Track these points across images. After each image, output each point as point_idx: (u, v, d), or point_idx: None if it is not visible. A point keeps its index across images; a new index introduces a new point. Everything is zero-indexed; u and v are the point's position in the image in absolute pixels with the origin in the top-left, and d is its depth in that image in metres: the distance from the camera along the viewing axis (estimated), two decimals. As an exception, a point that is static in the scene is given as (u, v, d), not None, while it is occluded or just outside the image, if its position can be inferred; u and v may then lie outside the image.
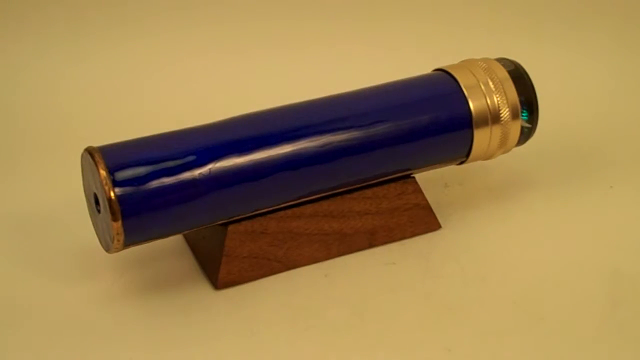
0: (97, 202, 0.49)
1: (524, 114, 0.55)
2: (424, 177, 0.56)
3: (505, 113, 0.54)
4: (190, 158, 0.49)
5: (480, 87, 0.54)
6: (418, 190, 0.55)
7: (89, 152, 0.48)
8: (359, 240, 0.54)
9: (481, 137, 0.54)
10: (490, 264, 0.53)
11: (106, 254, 0.50)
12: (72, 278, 0.53)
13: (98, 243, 0.50)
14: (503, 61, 0.56)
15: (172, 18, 0.78)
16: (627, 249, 0.54)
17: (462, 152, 0.55)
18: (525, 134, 0.56)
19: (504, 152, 0.56)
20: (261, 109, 0.52)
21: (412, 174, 0.55)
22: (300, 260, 0.53)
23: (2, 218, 0.59)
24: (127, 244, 0.48)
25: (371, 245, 0.55)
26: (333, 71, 0.74)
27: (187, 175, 0.48)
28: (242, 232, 0.51)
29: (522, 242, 0.55)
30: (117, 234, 0.47)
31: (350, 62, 0.76)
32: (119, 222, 0.47)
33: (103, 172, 0.47)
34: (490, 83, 0.54)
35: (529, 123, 0.56)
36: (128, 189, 0.47)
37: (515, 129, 0.55)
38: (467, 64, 0.55)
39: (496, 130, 0.54)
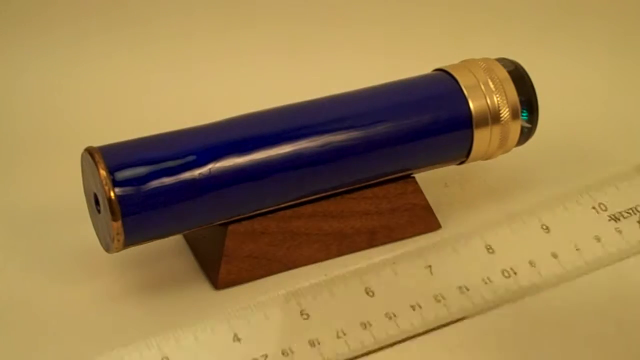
0: (97, 202, 0.49)
1: (524, 114, 0.55)
2: (424, 177, 0.56)
3: (505, 113, 0.54)
4: (190, 158, 0.49)
5: (480, 87, 0.54)
6: (418, 190, 0.55)
7: (89, 152, 0.48)
8: (359, 240, 0.54)
9: (481, 137, 0.54)
10: (490, 264, 0.53)
11: (106, 254, 0.50)
12: (72, 278, 0.53)
13: (98, 243, 0.50)
14: (503, 61, 0.56)
15: (172, 19, 0.78)
16: (626, 248, 0.54)
17: (462, 152, 0.55)
18: (525, 134, 0.56)
19: (504, 152, 0.56)
20: (261, 109, 0.52)
21: (412, 174, 0.55)
22: (300, 260, 0.53)
23: (2, 218, 0.59)
24: (127, 244, 0.48)
25: (371, 245, 0.55)
26: (333, 71, 0.74)
27: (187, 175, 0.48)
28: (242, 232, 0.51)
29: (522, 242, 0.55)
30: (117, 234, 0.47)
31: (350, 62, 0.76)
32: (119, 222, 0.47)
33: (103, 172, 0.47)
34: (490, 83, 0.54)
35: (529, 123, 0.56)
36: (128, 189, 0.47)
37: (515, 129, 0.55)
38: (467, 64, 0.55)
39: (496, 130, 0.54)
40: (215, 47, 0.77)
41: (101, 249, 0.50)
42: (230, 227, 0.51)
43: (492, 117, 0.54)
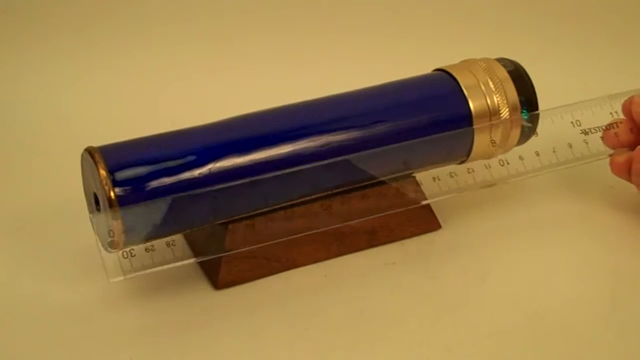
0: (97, 202, 0.49)
1: (524, 114, 0.55)
2: (424, 177, 0.56)
3: (505, 113, 0.54)
4: (190, 158, 0.49)
5: (480, 87, 0.54)
6: (418, 190, 0.55)
7: (89, 152, 0.48)
8: (359, 240, 0.54)
9: (481, 137, 0.54)
10: (490, 264, 0.53)
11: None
12: (72, 278, 0.53)
13: (97, 242, 0.50)
14: (503, 61, 0.56)
15: (172, 20, 0.78)
16: (627, 249, 0.54)
17: (462, 152, 0.55)
18: (526, 134, 0.56)
19: (504, 152, 0.56)
20: (261, 109, 0.52)
21: (412, 173, 0.55)
22: (300, 260, 0.53)
23: (2, 218, 0.59)
24: (127, 244, 0.48)
25: (371, 245, 0.55)
26: (333, 71, 0.74)
27: (187, 175, 0.48)
28: (242, 232, 0.51)
29: (522, 242, 0.55)
30: (117, 233, 0.47)
31: (350, 62, 0.76)
32: (119, 222, 0.47)
33: (103, 172, 0.47)
34: (490, 83, 0.54)
35: (529, 123, 0.56)
36: (128, 189, 0.47)
37: (515, 128, 0.55)
38: (467, 64, 0.55)
39: (496, 130, 0.54)
40: (215, 47, 0.77)
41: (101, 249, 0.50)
42: (230, 227, 0.51)
43: (492, 117, 0.54)
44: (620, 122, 0.55)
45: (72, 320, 0.50)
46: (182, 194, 0.48)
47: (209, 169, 0.49)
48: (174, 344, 0.48)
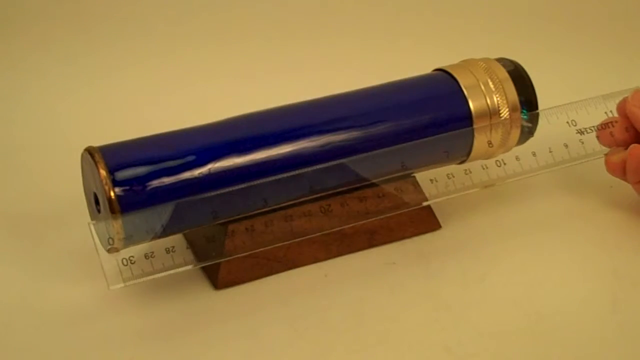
0: (97, 202, 0.49)
1: (524, 114, 0.55)
2: (424, 177, 0.56)
3: (505, 113, 0.54)
4: (190, 158, 0.49)
5: (480, 87, 0.54)
6: (418, 191, 0.55)
7: (89, 152, 0.48)
8: (359, 240, 0.54)
9: (481, 137, 0.54)
10: (490, 264, 0.53)
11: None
12: (72, 278, 0.53)
13: (98, 244, 0.50)
14: (503, 61, 0.56)
15: (173, 20, 0.78)
16: (627, 249, 0.54)
17: (463, 152, 0.55)
18: (526, 134, 0.56)
19: (504, 152, 0.56)
20: (261, 109, 0.52)
21: (412, 173, 0.55)
22: (300, 260, 0.53)
23: (2, 218, 0.59)
24: (127, 244, 0.48)
25: (371, 245, 0.55)
26: (333, 71, 0.74)
27: (187, 175, 0.48)
28: (242, 232, 0.51)
29: (522, 242, 0.55)
30: (117, 233, 0.47)
31: (350, 62, 0.76)
32: (119, 222, 0.47)
33: (103, 172, 0.47)
34: (490, 83, 0.54)
35: (529, 123, 0.56)
36: (128, 189, 0.47)
37: (515, 128, 0.55)
38: (467, 64, 0.55)
39: (496, 130, 0.54)
40: (215, 47, 0.77)
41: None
42: (230, 227, 0.51)
43: (492, 117, 0.54)
44: (616, 122, 0.56)
45: (72, 320, 0.50)
46: (182, 197, 0.48)
47: (209, 169, 0.49)
48: (174, 343, 0.48)
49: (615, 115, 0.57)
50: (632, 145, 0.54)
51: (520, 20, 0.80)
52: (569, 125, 0.55)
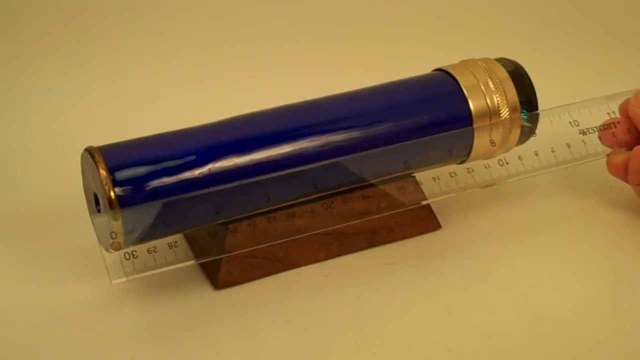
0: (97, 202, 0.49)
1: (524, 114, 0.55)
2: (424, 177, 0.56)
3: (505, 113, 0.54)
4: (190, 158, 0.49)
5: (480, 87, 0.54)
6: (418, 190, 0.55)
7: (89, 152, 0.48)
8: (359, 240, 0.54)
9: (481, 137, 0.54)
10: (490, 264, 0.53)
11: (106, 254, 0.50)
12: (72, 278, 0.53)
13: (98, 243, 0.50)
14: (503, 61, 0.56)
15: (172, 19, 0.78)
16: (627, 249, 0.54)
17: (462, 152, 0.55)
18: (525, 134, 0.56)
19: (504, 152, 0.56)
20: (261, 109, 0.52)
21: (412, 173, 0.55)
22: (300, 260, 0.53)
23: (2, 218, 0.59)
24: (127, 243, 0.48)
25: (371, 245, 0.55)
26: (333, 71, 0.74)
27: (187, 175, 0.48)
28: (242, 232, 0.51)
29: (522, 242, 0.55)
30: (117, 233, 0.47)
31: (350, 61, 0.76)
32: (119, 222, 0.47)
33: (103, 172, 0.47)
34: (490, 83, 0.54)
35: (529, 123, 0.56)
36: (128, 189, 0.47)
37: (515, 128, 0.55)
38: (467, 64, 0.55)
39: (496, 130, 0.54)
40: (215, 47, 0.77)
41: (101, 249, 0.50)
42: (230, 227, 0.51)
43: (492, 117, 0.54)
44: (618, 122, 0.56)
45: (72, 320, 0.50)
46: (182, 195, 0.48)
47: (209, 169, 0.49)
48: (174, 343, 0.48)
49: (618, 116, 0.57)
50: (637, 147, 0.54)
51: (520, 20, 0.80)
52: (572, 126, 0.56)
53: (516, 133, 0.55)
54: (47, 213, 0.59)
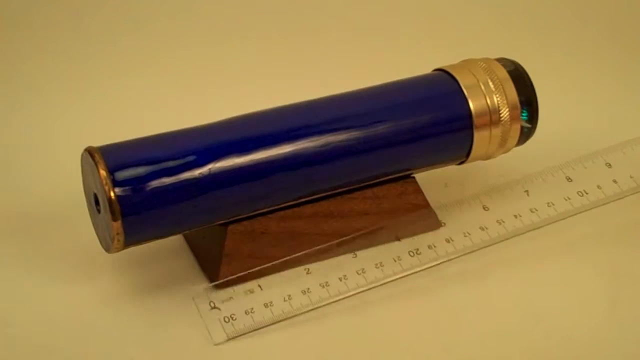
0: (97, 202, 0.49)
1: (524, 114, 0.55)
2: (424, 177, 0.56)
3: (505, 113, 0.54)
4: (190, 158, 0.49)
5: (480, 87, 0.54)
6: (418, 191, 0.55)
7: (89, 152, 0.48)
8: (359, 240, 0.54)
9: (481, 137, 0.54)
10: (490, 264, 0.53)
11: (106, 254, 0.50)
12: (72, 278, 0.53)
13: (98, 243, 0.50)
14: (503, 61, 0.56)
15: (172, 19, 0.78)
16: (627, 249, 0.54)
17: (462, 152, 0.55)
18: (525, 134, 0.56)
19: (504, 152, 0.56)
20: (261, 109, 0.52)
21: (412, 174, 0.55)
22: (300, 260, 0.53)
23: (2, 218, 0.59)
24: (127, 244, 0.48)
25: (371, 245, 0.54)
26: (333, 71, 0.74)
27: (187, 175, 0.48)
28: (242, 232, 0.51)
29: (521, 242, 0.55)
30: (117, 234, 0.47)
31: (350, 62, 0.76)
32: (119, 222, 0.47)
33: (103, 172, 0.47)
34: (490, 83, 0.54)
35: (529, 123, 0.56)
36: (128, 189, 0.47)
37: (515, 129, 0.55)
38: (467, 64, 0.55)
39: (496, 130, 0.54)
40: (215, 46, 0.77)
41: (101, 249, 0.50)
42: (230, 227, 0.51)
43: (492, 117, 0.54)
44: None
45: (72, 320, 0.50)
46: (182, 195, 0.48)
47: (209, 169, 0.49)
48: (174, 343, 0.48)
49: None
50: None
51: (521, 20, 0.80)
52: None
53: (516, 133, 0.55)
54: (47, 213, 0.59)
